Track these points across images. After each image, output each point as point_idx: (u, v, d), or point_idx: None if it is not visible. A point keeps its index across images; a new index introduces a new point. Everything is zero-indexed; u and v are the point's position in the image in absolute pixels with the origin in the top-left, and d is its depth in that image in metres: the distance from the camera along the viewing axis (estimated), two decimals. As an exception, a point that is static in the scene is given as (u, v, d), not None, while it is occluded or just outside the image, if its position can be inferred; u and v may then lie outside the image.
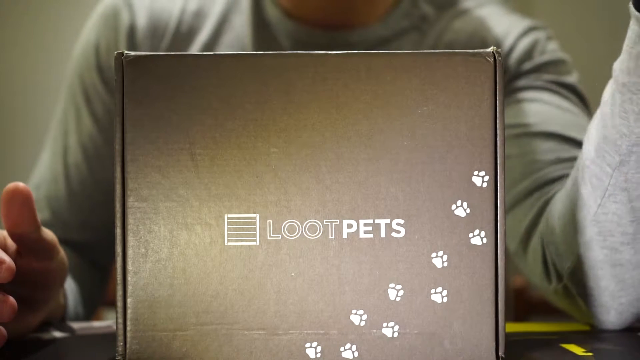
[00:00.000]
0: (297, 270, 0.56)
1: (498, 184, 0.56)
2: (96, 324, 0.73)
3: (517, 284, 1.57)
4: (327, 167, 0.56)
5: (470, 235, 0.56)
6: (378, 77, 0.56)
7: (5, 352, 0.62)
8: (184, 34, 0.92)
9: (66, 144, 0.93)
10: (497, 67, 0.56)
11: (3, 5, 1.93)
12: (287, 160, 0.56)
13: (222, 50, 0.91)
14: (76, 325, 0.71)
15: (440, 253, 0.56)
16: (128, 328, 0.56)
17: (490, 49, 0.56)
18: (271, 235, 0.56)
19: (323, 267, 0.56)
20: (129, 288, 0.56)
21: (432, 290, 0.56)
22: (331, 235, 0.56)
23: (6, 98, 1.93)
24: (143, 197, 0.56)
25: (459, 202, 0.56)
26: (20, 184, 0.60)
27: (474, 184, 0.56)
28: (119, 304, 0.56)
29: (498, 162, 0.56)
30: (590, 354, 0.61)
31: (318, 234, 0.56)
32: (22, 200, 0.59)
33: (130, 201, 0.56)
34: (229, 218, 0.56)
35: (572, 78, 0.93)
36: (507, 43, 0.92)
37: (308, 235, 0.56)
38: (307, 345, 0.57)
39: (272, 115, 0.56)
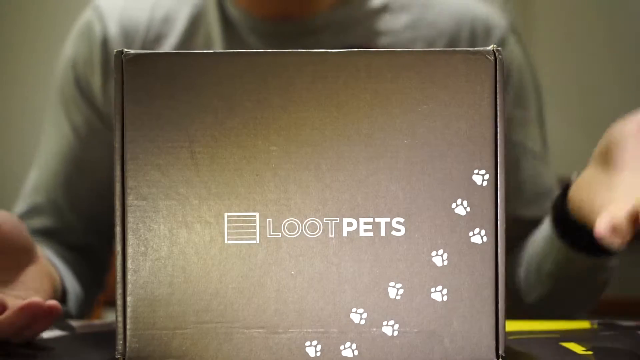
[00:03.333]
0: (297, 269, 0.56)
1: (498, 183, 0.56)
2: (96, 322, 0.73)
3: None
4: (327, 165, 0.56)
5: (471, 233, 0.56)
6: (378, 76, 0.56)
7: (5, 351, 0.62)
8: (153, 40, 0.95)
9: (46, 153, 0.96)
10: (497, 65, 0.56)
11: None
12: (286, 158, 0.56)
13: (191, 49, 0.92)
14: (76, 323, 0.71)
15: (441, 252, 0.56)
16: (128, 326, 0.56)
17: (490, 47, 0.56)
18: (271, 233, 0.56)
19: (323, 265, 0.56)
20: (129, 286, 0.56)
21: (432, 289, 0.56)
22: (331, 234, 0.56)
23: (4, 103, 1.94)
24: (143, 196, 0.56)
25: (459, 201, 0.56)
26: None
27: (474, 183, 0.56)
28: (119, 302, 0.56)
29: (498, 160, 0.56)
30: (590, 352, 0.61)
31: (318, 232, 0.56)
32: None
33: (130, 199, 0.56)
34: (228, 216, 0.56)
35: None
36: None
37: (308, 233, 0.56)
38: (307, 343, 0.56)
39: (271, 113, 0.56)
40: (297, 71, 0.56)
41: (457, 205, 0.56)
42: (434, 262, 0.56)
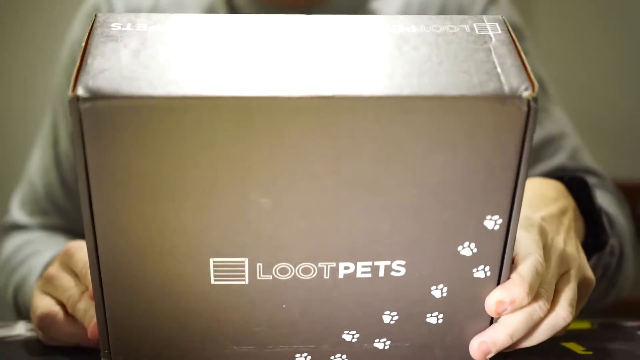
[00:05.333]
0: (288, 304, 0.53)
1: (511, 226, 0.52)
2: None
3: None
4: (324, 214, 0.50)
5: (474, 270, 0.53)
6: (389, 121, 0.47)
7: (5, 353, 0.62)
8: None
9: (56, 136, 0.97)
10: (530, 116, 0.48)
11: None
12: (277, 206, 0.49)
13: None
14: (76, 324, 0.71)
15: (441, 286, 0.53)
16: (112, 350, 0.54)
17: (526, 95, 0.47)
18: (261, 276, 0.52)
19: (316, 301, 0.53)
20: (109, 315, 0.53)
21: (428, 315, 0.54)
22: (326, 276, 0.52)
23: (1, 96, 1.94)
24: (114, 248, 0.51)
25: (466, 244, 0.52)
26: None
27: (485, 227, 0.51)
28: (101, 328, 0.53)
29: (514, 206, 0.51)
30: (590, 352, 0.61)
31: (312, 274, 0.52)
32: None
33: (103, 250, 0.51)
34: (215, 262, 0.51)
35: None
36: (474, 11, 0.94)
37: (301, 276, 0.52)
38: (297, 355, 0.55)
39: (262, 164, 0.48)
40: (292, 118, 0.47)
41: (463, 248, 0.52)
42: (432, 295, 0.53)
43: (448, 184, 0.49)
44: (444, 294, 0.53)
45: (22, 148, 1.05)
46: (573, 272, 0.60)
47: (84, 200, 0.49)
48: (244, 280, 0.52)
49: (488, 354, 0.55)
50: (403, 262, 0.52)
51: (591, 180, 0.78)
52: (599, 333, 0.69)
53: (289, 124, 0.47)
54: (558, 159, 0.91)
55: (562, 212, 0.66)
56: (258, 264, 0.51)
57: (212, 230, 0.50)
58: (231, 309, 0.53)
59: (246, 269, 0.52)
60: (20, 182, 1.00)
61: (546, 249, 0.59)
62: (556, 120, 0.94)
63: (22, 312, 0.90)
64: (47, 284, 0.64)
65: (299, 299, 0.53)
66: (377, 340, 0.55)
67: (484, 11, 0.94)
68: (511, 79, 0.48)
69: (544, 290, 0.56)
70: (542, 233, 0.59)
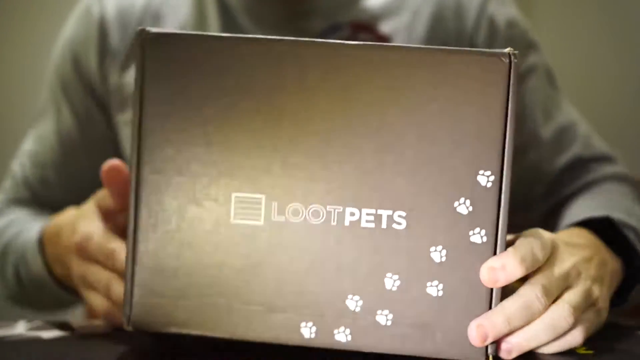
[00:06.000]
0: (298, 254, 0.57)
1: (503, 185, 0.56)
2: (96, 322, 0.73)
3: (518, 284, 1.57)
4: (334, 155, 0.57)
5: (471, 232, 0.56)
6: (390, 71, 0.56)
7: (5, 353, 0.63)
8: (150, 20, 0.97)
9: (44, 130, 1.00)
10: (512, 68, 0.55)
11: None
12: (295, 146, 0.57)
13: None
14: (76, 324, 0.71)
15: (440, 248, 0.56)
16: (134, 293, 0.58)
17: (506, 50, 0.55)
18: (275, 216, 0.57)
19: (324, 252, 0.57)
20: (138, 256, 0.58)
21: (429, 283, 0.56)
22: (333, 222, 0.57)
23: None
24: (157, 170, 0.58)
25: (462, 200, 0.56)
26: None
27: (479, 183, 0.56)
28: (128, 270, 0.58)
29: (505, 163, 0.56)
30: (590, 351, 0.61)
31: (321, 219, 0.57)
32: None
33: (145, 173, 0.58)
34: (236, 197, 0.58)
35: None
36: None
37: (311, 219, 0.57)
38: (303, 324, 0.58)
39: (284, 100, 0.57)
40: (313, 61, 0.57)
41: (459, 204, 0.56)
42: (432, 258, 0.56)
43: (443, 133, 0.56)
44: (443, 258, 0.56)
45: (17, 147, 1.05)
46: (581, 285, 0.61)
47: (135, 120, 0.58)
48: (260, 220, 0.58)
49: (486, 338, 0.56)
50: (404, 214, 0.56)
51: (617, 214, 0.78)
52: (599, 333, 0.69)
53: (309, 66, 0.57)
54: (574, 150, 0.93)
55: (587, 260, 0.65)
56: (273, 203, 0.58)
57: (236, 165, 0.58)
58: (244, 256, 0.58)
59: (262, 206, 0.58)
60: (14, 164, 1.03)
61: (556, 259, 0.60)
62: (566, 111, 0.95)
63: (25, 284, 0.91)
64: (84, 282, 0.71)
65: (308, 250, 0.57)
66: (379, 311, 0.57)
67: (483, 4, 0.94)
68: None
69: (542, 286, 0.57)
70: (555, 247, 0.60)
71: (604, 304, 0.64)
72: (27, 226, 0.91)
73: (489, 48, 0.93)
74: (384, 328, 0.57)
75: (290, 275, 0.57)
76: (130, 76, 0.94)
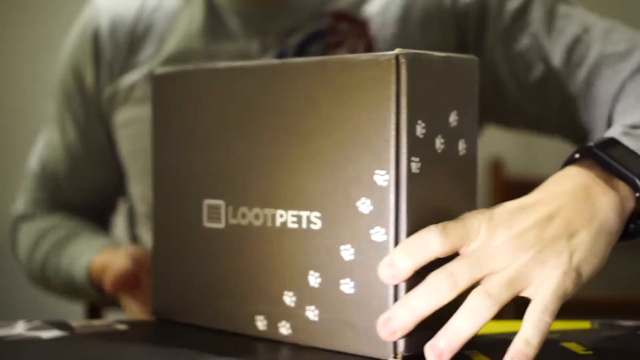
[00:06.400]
0: (248, 253, 0.64)
1: (399, 184, 0.56)
2: (96, 322, 0.73)
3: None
4: (265, 162, 0.62)
5: (372, 231, 0.57)
6: (288, 83, 0.61)
7: (5, 353, 0.62)
8: (142, 30, 0.99)
9: (49, 146, 1.07)
10: (399, 69, 0.55)
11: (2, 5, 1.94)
12: (239, 157, 0.64)
13: (175, 38, 0.98)
14: (76, 323, 0.71)
15: (348, 247, 0.58)
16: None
17: (394, 52, 0.56)
18: (230, 220, 0.65)
19: (264, 250, 0.62)
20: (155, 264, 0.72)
21: (342, 281, 0.58)
22: (269, 223, 0.62)
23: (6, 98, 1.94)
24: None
25: (363, 200, 0.57)
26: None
27: (376, 183, 0.57)
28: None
29: (400, 162, 0.56)
30: (590, 352, 0.61)
31: (260, 220, 0.62)
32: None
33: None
34: (207, 204, 0.66)
35: None
36: None
37: (254, 222, 0.63)
38: (257, 317, 0.63)
39: (234, 119, 0.65)
40: (246, 82, 0.64)
41: (362, 204, 0.57)
42: (342, 256, 0.58)
43: (346, 137, 0.58)
44: (352, 257, 0.58)
45: (22, 149, 1.09)
46: (505, 274, 0.56)
47: (154, 149, 0.71)
48: (221, 223, 0.65)
49: (394, 332, 0.55)
50: (319, 215, 0.60)
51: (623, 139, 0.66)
52: (599, 333, 0.69)
53: (243, 88, 0.64)
54: (592, 56, 0.88)
55: (545, 220, 0.58)
56: (229, 207, 0.65)
57: (205, 174, 0.66)
58: (214, 256, 0.66)
59: (222, 211, 0.65)
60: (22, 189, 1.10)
61: (482, 240, 0.56)
62: (576, 20, 0.91)
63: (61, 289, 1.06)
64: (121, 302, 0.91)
65: (254, 250, 0.63)
66: (307, 307, 0.60)
67: None
68: None
69: (446, 269, 0.55)
70: (465, 226, 0.57)
71: (578, 258, 0.58)
72: (70, 252, 1.00)
73: (480, 10, 0.93)
74: (314, 323, 0.60)
75: (245, 272, 0.63)
76: (125, 82, 0.98)
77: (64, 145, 1.05)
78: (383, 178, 0.56)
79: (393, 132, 0.56)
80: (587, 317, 0.74)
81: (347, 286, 0.58)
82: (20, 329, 0.69)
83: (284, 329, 0.62)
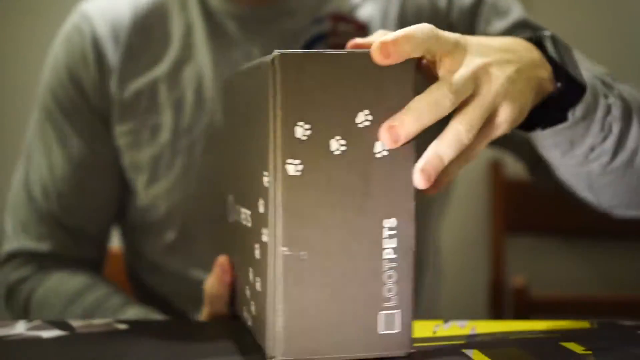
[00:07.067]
0: (240, 244, 0.67)
1: (276, 187, 0.56)
2: (96, 322, 0.73)
3: (517, 284, 1.57)
4: (238, 160, 0.67)
5: (263, 231, 0.59)
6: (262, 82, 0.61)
7: (5, 352, 0.63)
8: (140, 33, 0.97)
9: (51, 161, 0.99)
10: (277, 71, 0.55)
11: None
12: (238, 160, 0.68)
13: (174, 42, 0.97)
14: (76, 323, 0.71)
15: (257, 246, 0.61)
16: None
17: (272, 55, 0.56)
18: (232, 216, 0.69)
19: (240, 244, 0.67)
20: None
21: (257, 279, 0.61)
22: (244, 221, 0.65)
23: None
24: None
25: (260, 200, 0.59)
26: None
27: (264, 184, 0.58)
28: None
29: (276, 166, 0.55)
30: (590, 352, 0.61)
31: (244, 217, 0.65)
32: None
33: None
34: (230, 198, 0.71)
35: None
36: None
37: (242, 215, 0.66)
38: (244, 308, 0.67)
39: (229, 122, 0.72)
40: (231, 88, 0.70)
41: (260, 204, 0.59)
42: (254, 254, 0.61)
43: (250, 139, 0.63)
44: (258, 256, 0.61)
45: (15, 155, 1.04)
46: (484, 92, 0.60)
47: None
48: (230, 217, 0.71)
49: (397, 138, 0.56)
50: (249, 212, 0.63)
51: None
52: (599, 333, 0.69)
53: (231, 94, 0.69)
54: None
55: (505, 62, 0.64)
56: (235, 205, 0.69)
57: (230, 172, 0.71)
58: (232, 247, 0.70)
59: (230, 205, 0.70)
60: (9, 202, 1.01)
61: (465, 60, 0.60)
62: (518, 7, 0.96)
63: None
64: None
65: (239, 241, 0.67)
66: (251, 302, 0.64)
67: None
68: None
69: (450, 83, 0.58)
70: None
71: (520, 95, 0.63)
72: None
73: (472, 20, 0.94)
74: (254, 318, 0.62)
75: (243, 260, 0.66)
76: (130, 90, 0.95)
77: (69, 161, 0.98)
78: (267, 180, 0.57)
79: (271, 134, 0.56)
80: (587, 317, 0.74)
81: (258, 284, 0.61)
82: (20, 328, 0.69)
83: (248, 319, 0.65)
